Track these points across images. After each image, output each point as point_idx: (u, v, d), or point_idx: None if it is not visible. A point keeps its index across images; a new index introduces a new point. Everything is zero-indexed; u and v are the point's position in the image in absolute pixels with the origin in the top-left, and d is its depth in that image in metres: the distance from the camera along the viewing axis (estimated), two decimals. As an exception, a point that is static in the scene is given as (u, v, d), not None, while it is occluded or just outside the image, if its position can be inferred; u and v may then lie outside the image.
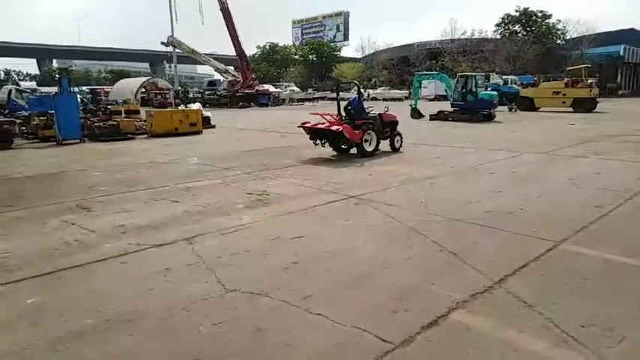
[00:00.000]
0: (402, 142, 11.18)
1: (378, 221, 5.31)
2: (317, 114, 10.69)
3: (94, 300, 3.40)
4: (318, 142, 10.42)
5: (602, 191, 6.57)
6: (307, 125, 10.52)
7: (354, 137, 9.87)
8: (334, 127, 9.79)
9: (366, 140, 10.16)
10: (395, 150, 10.94)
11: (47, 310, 3.29)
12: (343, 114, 10.49)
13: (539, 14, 57.16)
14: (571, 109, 24.77)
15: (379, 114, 10.83)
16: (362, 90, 12.39)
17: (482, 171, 8.41)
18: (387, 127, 10.94)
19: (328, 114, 10.48)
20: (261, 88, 41.95)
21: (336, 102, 11.06)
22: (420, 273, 3.80)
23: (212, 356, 2.69)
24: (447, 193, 6.75)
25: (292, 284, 3.61)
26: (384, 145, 10.81)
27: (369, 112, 10.60)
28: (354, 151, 10.36)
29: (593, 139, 12.78)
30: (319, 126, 10.23)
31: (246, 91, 40.02)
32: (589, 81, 25.82)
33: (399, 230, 4.98)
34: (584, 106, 24.42)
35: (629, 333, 2.83)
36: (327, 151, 10.68)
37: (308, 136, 10.62)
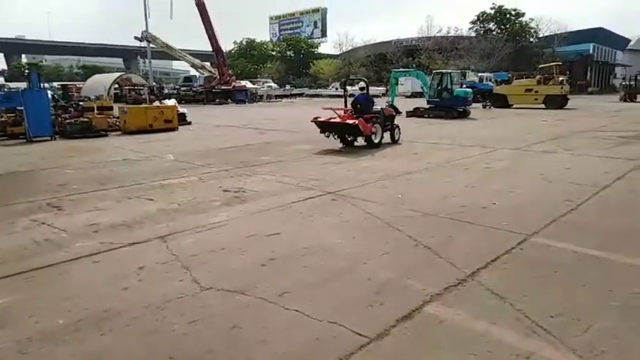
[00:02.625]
0: (400, 134, 12.08)
1: (355, 217, 5.34)
2: (330, 109, 11.45)
3: (65, 300, 3.33)
4: (327, 134, 11.14)
5: (572, 185, 6.76)
6: (320, 119, 11.14)
7: (367, 130, 10.61)
8: (351, 121, 10.48)
9: (373, 133, 10.94)
10: (395, 141, 11.85)
11: (16, 311, 3.20)
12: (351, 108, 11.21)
13: (513, 12, 58.28)
14: (543, 106, 25.40)
15: (382, 108, 11.76)
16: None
17: (457, 167, 8.55)
18: (388, 121, 11.85)
19: (340, 109, 11.32)
20: (238, 85, 41.62)
21: (344, 97, 11.99)
22: (396, 267, 3.84)
23: (187, 354, 2.67)
24: (423, 189, 6.84)
25: (268, 281, 3.60)
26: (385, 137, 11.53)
27: (373, 107, 11.40)
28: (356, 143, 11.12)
29: (564, 135, 13.14)
30: (333, 120, 11.01)
31: (222, 87, 39.60)
32: (560, 78, 26.49)
33: (375, 226, 5.02)
34: (555, 102, 25.07)
35: (594, 322, 2.92)
36: (306, 147, 10.71)
37: (319, 130, 11.24)
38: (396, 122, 12.22)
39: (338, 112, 11.20)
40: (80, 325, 2.98)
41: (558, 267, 3.82)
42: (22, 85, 22.63)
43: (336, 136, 11.16)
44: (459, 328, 2.90)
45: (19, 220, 5.39)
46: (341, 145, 11.17)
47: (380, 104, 12.03)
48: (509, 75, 34.77)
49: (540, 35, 57.84)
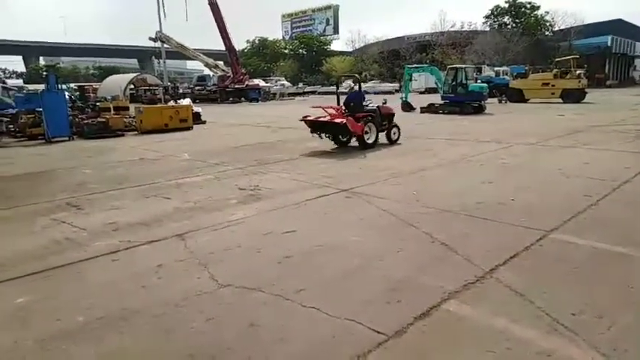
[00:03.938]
0: (399, 134, 11.37)
1: (370, 214, 5.33)
2: (319, 107, 10.75)
3: (85, 298, 3.38)
4: (317, 134, 10.59)
5: (590, 180, 6.64)
6: (309, 118, 10.63)
7: (356, 130, 10.04)
8: (338, 120, 9.91)
9: (366, 132, 10.33)
10: (392, 142, 11.10)
11: (37, 309, 3.26)
12: (343, 107, 10.61)
13: (528, 6, 57.38)
14: (560, 100, 24.98)
15: (378, 107, 11.01)
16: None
17: (472, 162, 8.46)
18: (385, 120, 11.14)
19: (331, 107, 10.59)
20: (251, 83, 41.75)
21: (335, 96, 11.27)
22: (412, 264, 3.82)
23: (206, 352, 2.69)
24: (438, 185, 6.78)
25: (285, 278, 3.61)
26: (382, 137, 10.91)
27: (367, 105, 10.81)
28: (351, 144, 10.55)
29: (582, 130, 12.90)
30: (321, 119, 10.38)
31: (236, 86, 39.78)
32: (577, 72, 26.01)
33: (391, 223, 5.00)
34: (573, 96, 24.64)
35: (618, 319, 2.87)
36: (318, 145, 10.69)
37: (309, 130, 10.74)
38: (395, 121, 11.49)
39: (328, 110, 10.52)
40: (100, 323, 3.03)
41: (578, 264, 3.76)
42: (41, 86, 23.03)
43: (328, 136, 10.68)
44: (477, 326, 2.87)
45: (40, 219, 5.49)
46: (334, 145, 10.71)
47: (377, 102, 11.46)
48: (527, 68, 34.22)
49: (556, 29, 56.86)
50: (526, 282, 3.42)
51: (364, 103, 10.78)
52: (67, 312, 3.18)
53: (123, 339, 2.85)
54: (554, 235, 4.43)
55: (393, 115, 11.51)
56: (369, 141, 10.38)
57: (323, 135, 10.63)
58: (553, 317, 2.90)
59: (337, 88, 12.14)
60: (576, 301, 3.12)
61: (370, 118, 10.46)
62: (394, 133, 11.24)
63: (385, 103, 11.45)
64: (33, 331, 2.96)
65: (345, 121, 9.76)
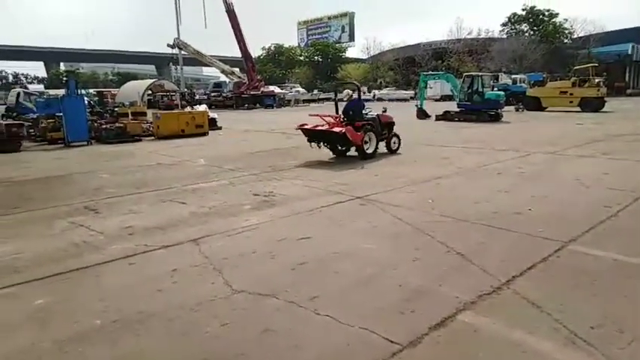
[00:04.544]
0: (399, 143, 10.97)
1: (384, 222, 5.30)
2: (316, 115, 10.48)
3: (102, 301, 3.43)
4: (315, 144, 10.25)
5: (610, 191, 6.51)
6: (306, 127, 10.29)
7: (356, 139, 9.67)
8: (337, 129, 9.56)
9: (366, 142, 9.96)
10: (392, 152, 10.76)
11: (56, 311, 3.32)
12: (342, 115, 10.28)
13: (546, 13, 56.83)
14: (578, 109, 24.61)
15: (377, 115, 10.67)
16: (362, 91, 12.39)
17: (489, 171, 8.37)
18: (385, 129, 10.77)
19: (328, 115, 10.32)
20: (266, 90, 42.08)
21: (334, 103, 11.12)
22: (427, 274, 3.78)
23: (220, 357, 2.70)
24: (454, 194, 6.72)
25: (299, 285, 3.61)
26: (382, 147, 10.62)
27: (367, 114, 10.45)
28: (350, 152, 10.22)
29: (602, 139, 12.68)
30: (319, 128, 10.05)
31: (251, 92, 40.15)
32: (596, 80, 25.60)
33: (405, 231, 4.97)
34: (591, 105, 24.23)
35: (638, 334, 2.80)
36: (330, 152, 10.67)
37: (306, 138, 10.45)
38: (395, 130, 11.02)
39: (326, 118, 10.17)
40: (116, 325, 3.07)
41: (598, 276, 3.69)
42: (61, 91, 23.54)
43: (327, 146, 10.25)
44: (494, 337, 2.83)
45: (58, 222, 5.59)
46: (332, 155, 10.38)
47: (377, 110, 11.00)
48: (544, 76, 33.80)
49: (575, 36, 56.15)
50: (543, 293, 3.36)
51: (364, 112, 10.39)
52: (84, 314, 3.23)
53: (139, 342, 2.88)
54: (573, 246, 4.35)
55: (393, 123, 11.13)
56: (369, 151, 10.00)
57: (321, 144, 10.27)
58: (571, 330, 2.84)
59: (335, 96, 11.85)
60: (595, 314, 3.06)
61: (370, 127, 10.06)
62: (394, 143, 10.85)
63: (385, 111, 11.08)
64: (51, 332, 3.01)
65: (344, 130, 9.41)
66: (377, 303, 3.30)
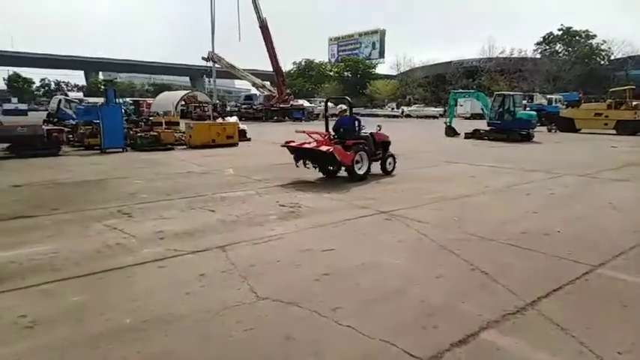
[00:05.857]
0: (394, 164, 10.16)
1: (409, 237, 5.32)
2: (303, 132, 9.81)
3: (133, 301, 3.57)
4: (301, 163, 9.48)
5: (644, 216, 6.34)
6: (292, 144, 9.52)
7: (345, 159, 8.84)
8: (324, 148, 8.72)
9: (357, 162, 9.16)
10: (387, 173, 9.95)
11: (90, 308, 3.47)
12: (332, 133, 9.61)
13: (583, 35, 55.79)
14: (614, 132, 23.95)
15: (371, 133, 9.96)
16: (352, 107, 10.95)
17: (518, 191, 8.26)
18: (380, 148, 10.00)
19: (316, 132, 9.70)
20: (295, 103, 42.65)
21: (324, 119, 10.60)
22: (451, 291, 3.78)
23: (243, 360, 2.78)
24: (481, 212, 6.67)
25: (322, 295, 3.66)
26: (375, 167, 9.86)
27: (359, 132, 9.66)
28: (342, 173, 9.48)
29: (637, 163, 12.31)
30: (306, 145, 9.25)
31: (281, 105, 40.73)
32: (634, 103, 24.91)
33: (430, 247, 4.97)
34: (628, 128, 23.55)
35: (668, 362, 2.74)
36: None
37: (292, 156, 9.68)
38: (390, 151, 10.24)
39: (314, 136, 9.45)
40: (145, 325, 3.19)
41: (627, 301, 3.60)
42: (99, 99, 24.47)
43: (314, 166, 9.49)
44: (516, 357, 2.81)
45: (94, 224, 5.83)
46: (321, 175, 9.62)
47: (371, 128, 10.24)
48: (580, 95, 33.04)
49: (612, 58, 54.84)
50: (569, 316, 3.31)
51: (360, 128, 9.64)
52: (116, 312, 3.37)
53: (167, 342, 2.98)
54: (602, 270, 4.27)
55: (388, 143, 10.34)
56: (360, 172, 9.17)
57: (308, 164, 9.49)
58: (597, 354, 2.80)
59: (326, 111, 11.03)
60: (623, 339, 3.00)
61: (362, 146, 9.26)
62: (389, 163, 10.01)
63: (380, 129, 10.32)
64: (85, 328, 3.16)
65: (331, 149, 8.55)
66: (399, 316, 3.33)
